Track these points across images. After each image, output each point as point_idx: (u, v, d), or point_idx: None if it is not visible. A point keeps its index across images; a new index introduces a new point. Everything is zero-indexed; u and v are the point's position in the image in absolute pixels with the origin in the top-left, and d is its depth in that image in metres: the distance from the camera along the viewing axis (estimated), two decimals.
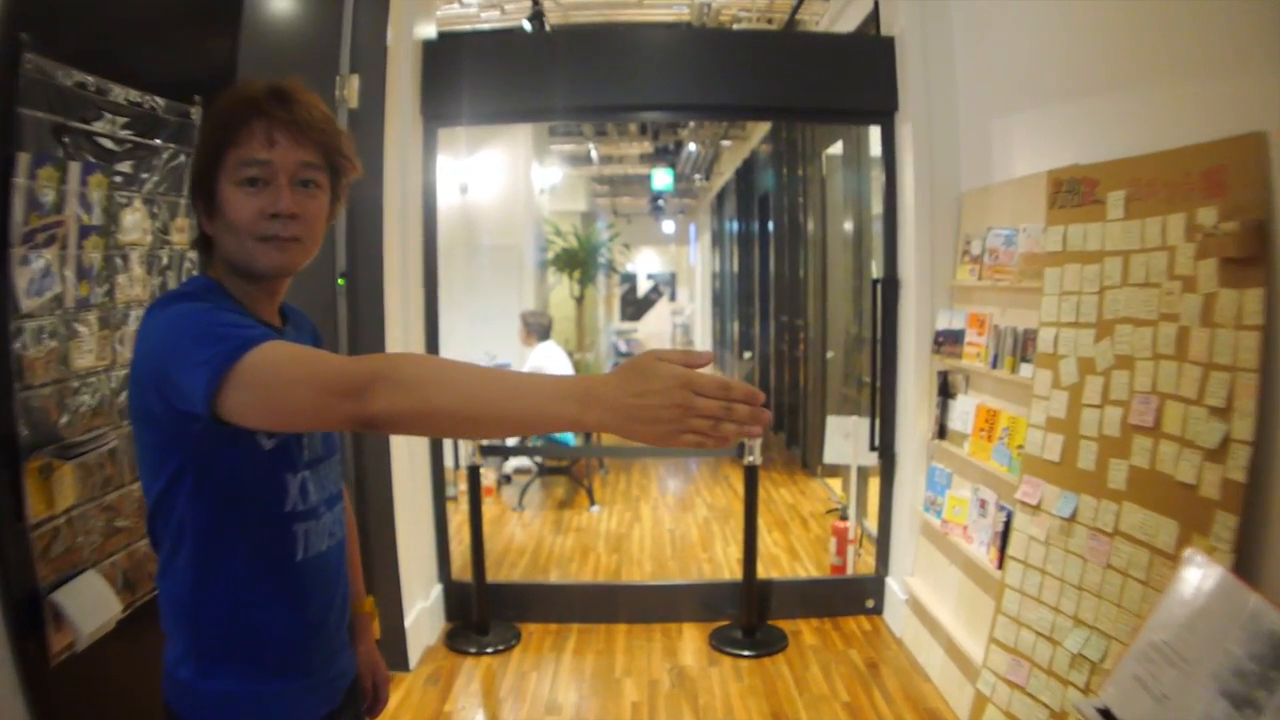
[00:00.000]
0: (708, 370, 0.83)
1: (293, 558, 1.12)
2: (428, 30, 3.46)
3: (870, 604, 3.66)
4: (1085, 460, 2.23)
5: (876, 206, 4.86)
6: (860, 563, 3.89)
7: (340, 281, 3.05)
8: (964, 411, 2.95)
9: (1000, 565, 2.60)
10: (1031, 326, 2.54)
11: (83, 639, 1.68)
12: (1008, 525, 2.57)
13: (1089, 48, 2.43)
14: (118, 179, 1.86)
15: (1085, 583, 2.19)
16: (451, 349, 5.62)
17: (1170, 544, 1.93)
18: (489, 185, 6.87)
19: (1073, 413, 2.29)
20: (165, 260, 2.03)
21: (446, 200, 6.36)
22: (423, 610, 3.39)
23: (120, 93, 1.88)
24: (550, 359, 5.57)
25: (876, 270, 4.46)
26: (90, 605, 1.72)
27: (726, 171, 10.84)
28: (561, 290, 9.55)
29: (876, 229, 4.77)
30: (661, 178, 10.34)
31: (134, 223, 1.91)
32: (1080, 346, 2.27)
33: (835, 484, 5.59)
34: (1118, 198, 2.18)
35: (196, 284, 1.14)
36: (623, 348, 12.21)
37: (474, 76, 3.39)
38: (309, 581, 1.15)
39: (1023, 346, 2.59)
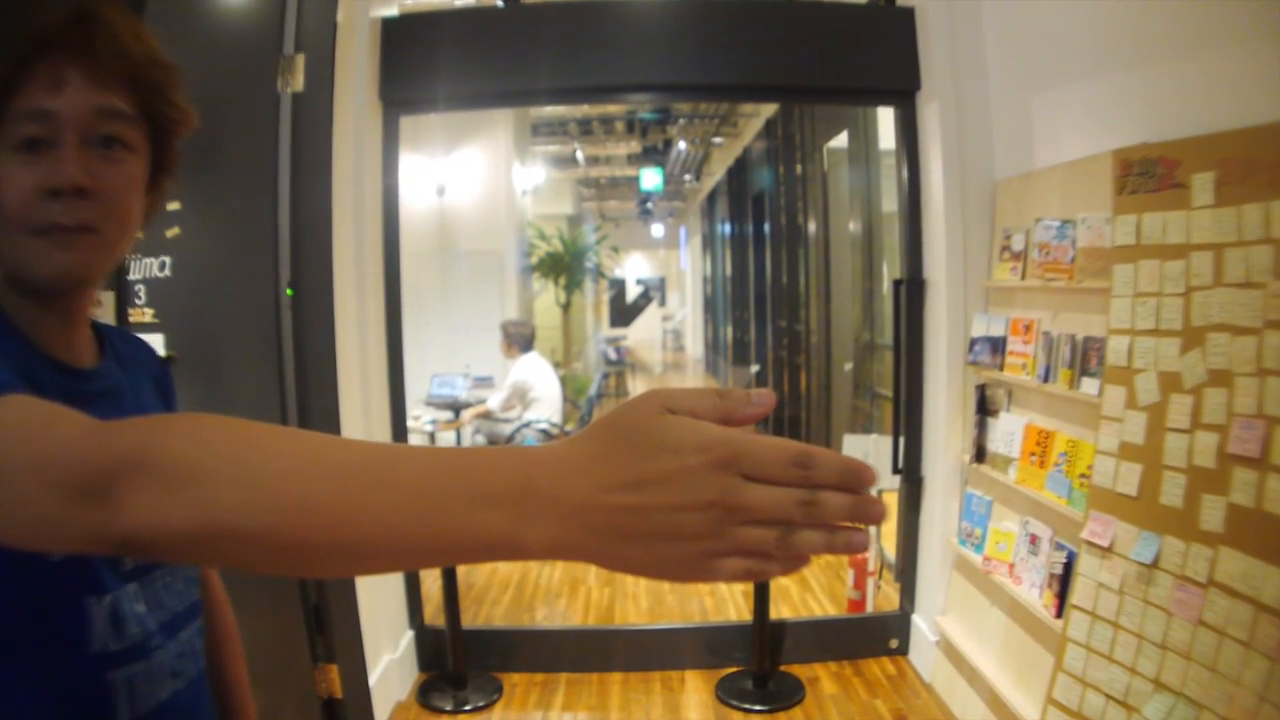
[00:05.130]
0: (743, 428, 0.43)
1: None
2: (387, 9, 3.07)
3: (894, 644, 3.27)
4: (1170, 495, 1.87)
5: (888, 201, 4.50)
6: (881, 597, 3.51)
7: (289, 292, 2.66)
8: (1008, 431, 2.57)
9: (1059, 613, 2.22)
10: (1095, 334, 2.16)
11: None
12: (1068, 567, 2.20)
13: (1156, 5, 2.06)
14: None
15: (1170, 640, 1.85)
16: (426, 363, 5.19)
17: None
18: (467, 187, 6.48)
19: (1153, 438, 1.92)
20: None
21: (422, 202, 6.00)
22: (391, 663, 2.98)
23: None
24: (534, 372, 5.15)
25: (890, 270, 4.10)
26: None
27: (717, 171, 10.51)
28: (546, 297, 9.16)
29: (888, 225, 4.42)
30: (650, 178, 10.01)
31: None
32: (1162, 358, 1.91)
33: None
34: (1205, 180, 1.82)
35: None
36: (613, 356, 11.71)
37: (442, 57, 2.99)
38: None
39: (1084, 357, 2.20)
